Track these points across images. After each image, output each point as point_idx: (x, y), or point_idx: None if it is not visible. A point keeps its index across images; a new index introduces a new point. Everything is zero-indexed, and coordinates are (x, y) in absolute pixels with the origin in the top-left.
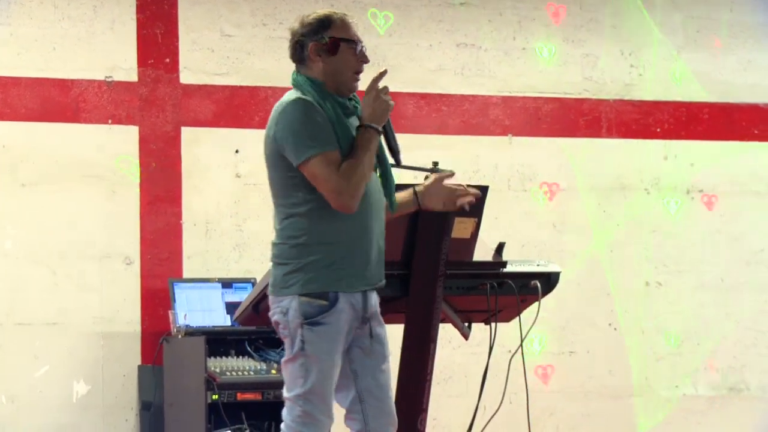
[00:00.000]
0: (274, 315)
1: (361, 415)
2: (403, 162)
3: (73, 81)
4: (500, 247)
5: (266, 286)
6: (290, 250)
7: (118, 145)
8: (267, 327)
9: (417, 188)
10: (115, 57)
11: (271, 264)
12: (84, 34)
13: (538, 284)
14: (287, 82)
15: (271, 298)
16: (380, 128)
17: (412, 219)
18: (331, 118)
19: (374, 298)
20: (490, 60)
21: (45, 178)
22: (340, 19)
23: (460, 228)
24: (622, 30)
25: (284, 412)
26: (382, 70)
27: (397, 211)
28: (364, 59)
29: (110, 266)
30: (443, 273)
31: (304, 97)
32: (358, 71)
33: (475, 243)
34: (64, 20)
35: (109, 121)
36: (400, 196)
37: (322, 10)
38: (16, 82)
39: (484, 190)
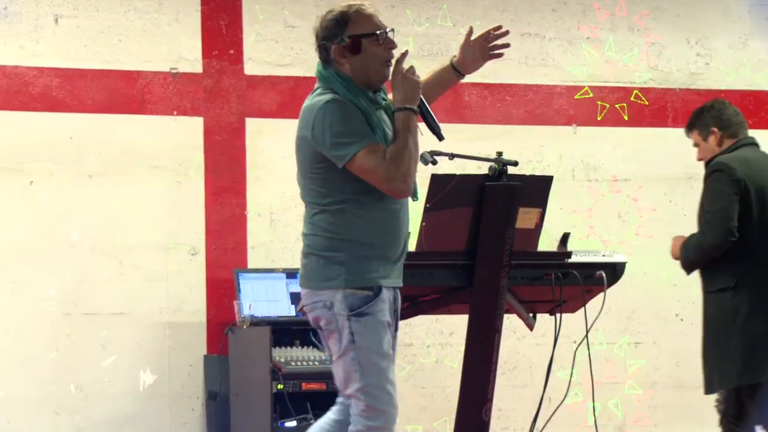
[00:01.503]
0: (315, 310)
1: None
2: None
3: (138, 73)
4: (565, 238)
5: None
6: (329, 243)
7: (183, 136)
8: None
9: (453, 60)
10: (180, 49)
11: (303, 257)
12: (149, 26)
13: (604, 275)
14: None
15: (307, 293)
16: (416, 108)
17: (477, 210)
18: (364, 112)
19: (399, 295)
20: (555, 49)
21: (111, 169)
22: (356, 12)
23: (525, 218)
24: (688, 18)
25: (352, 410)
26: (403, 51)
27: (440, 90)
28: (391, 45)
29: (176, 257)
30: (508, 263)
31: (335, 96)
32: (387, 60)
33: (539, 233)
34: (130, 12)
35: (174, 113)
36: (438, 75)
37: (338, 7)
38: (82, 74)
39: (548, 180)
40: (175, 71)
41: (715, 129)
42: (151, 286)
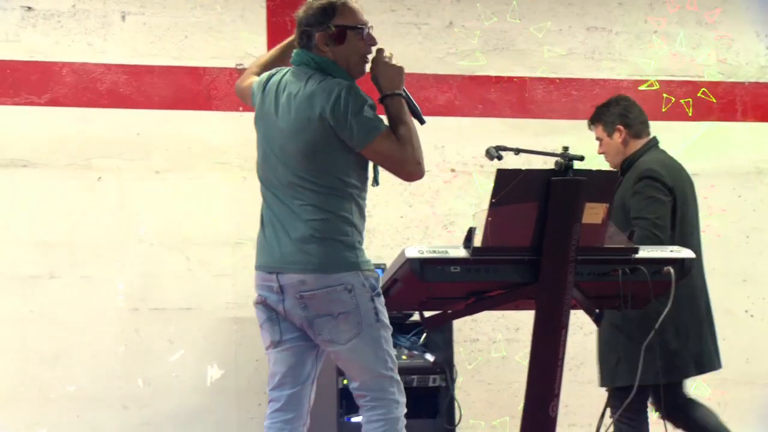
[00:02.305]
0: (329, 294)
1: None
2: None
3: (204, 69)
4: (632, 233)
5: (393, 272)
6: (344, 227)
7: (249, 132)
8: (397, 312)
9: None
10: (246, 45)
11: (312, 240)
12: (215, 22)
13: (672, 270)
14: (415, 67)
15: (317, 277)
16: (403, 93)
17: (543, 205)
18: None
19: None
20: (621, 43)
21: (178, 165)
22: (343, 4)
23: (591, 213)
24: (758, 11)
25: (379, 394)
26: (379, 48)
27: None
28: (372, 41)
29: (242, 252)
30: (574, 259)
31: (350, 83)
32: (366, 55)
33: (606, 228)
34: (196, 9)
35: (240, 109)
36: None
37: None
38: (149, 70)
39: (615, 175)
40: (240, 67)
41: (621, 127)
42: (218, 281)
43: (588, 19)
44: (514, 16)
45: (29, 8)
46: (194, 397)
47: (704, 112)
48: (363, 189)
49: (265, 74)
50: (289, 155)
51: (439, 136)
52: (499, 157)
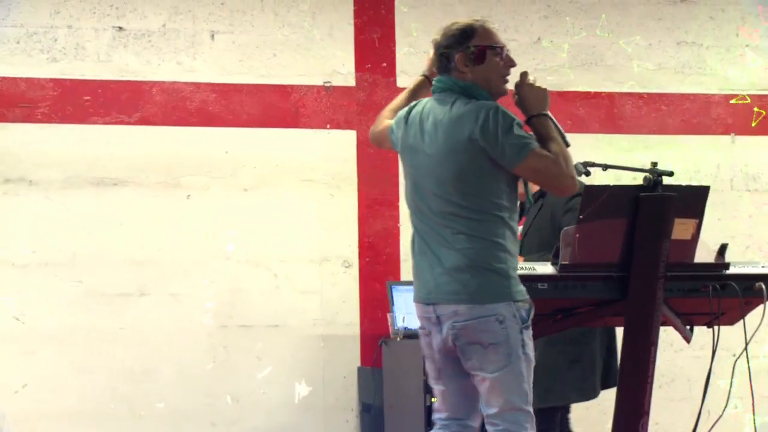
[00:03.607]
0: (481, 324)
1: None
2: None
3: (292, 87)
4: (723, 249)
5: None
6: (497, 255)
7: (336, 149)
8: None
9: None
10: (334, 62)
11: (465, 270)
12: (303, 41)
13: (764, 286)
14: None
15: (469, 308)
16: (548, 113)
17: (631, 221)
18: None
19: None
20: (712, 58)
21: (266, 182)
22: (482, 27)
23: (681, 229)
24: None
25: (513, 426)
26: (523, 71)
27: None
28: (511, 63)
29: (329, 269)
30: (663, 275)
31: (495, 103)
32: (505, 75)
33: (696, 244)
34: (284, 27)
35: (328, 126)
36: (416, 90)
37: (462, 20)
38: (238, 88)
39: (704, 190)
40: (328, 85)
41: None
42: (305, 298)
43: (678, 34)
44: (603, 31)
45: (120, 28)
46: (282, 414)
47: None
48: (513, 211)
49: (405, 109)
50: (440, 182)
51: None
52: (587, 173)
